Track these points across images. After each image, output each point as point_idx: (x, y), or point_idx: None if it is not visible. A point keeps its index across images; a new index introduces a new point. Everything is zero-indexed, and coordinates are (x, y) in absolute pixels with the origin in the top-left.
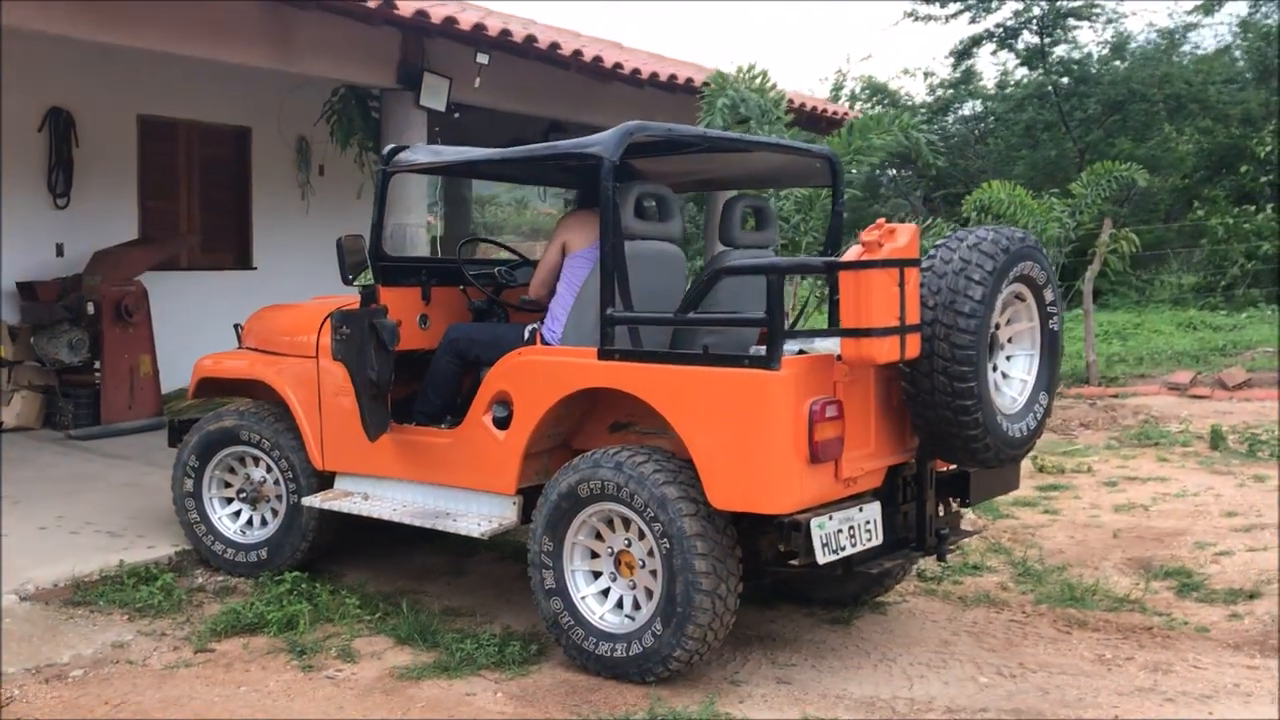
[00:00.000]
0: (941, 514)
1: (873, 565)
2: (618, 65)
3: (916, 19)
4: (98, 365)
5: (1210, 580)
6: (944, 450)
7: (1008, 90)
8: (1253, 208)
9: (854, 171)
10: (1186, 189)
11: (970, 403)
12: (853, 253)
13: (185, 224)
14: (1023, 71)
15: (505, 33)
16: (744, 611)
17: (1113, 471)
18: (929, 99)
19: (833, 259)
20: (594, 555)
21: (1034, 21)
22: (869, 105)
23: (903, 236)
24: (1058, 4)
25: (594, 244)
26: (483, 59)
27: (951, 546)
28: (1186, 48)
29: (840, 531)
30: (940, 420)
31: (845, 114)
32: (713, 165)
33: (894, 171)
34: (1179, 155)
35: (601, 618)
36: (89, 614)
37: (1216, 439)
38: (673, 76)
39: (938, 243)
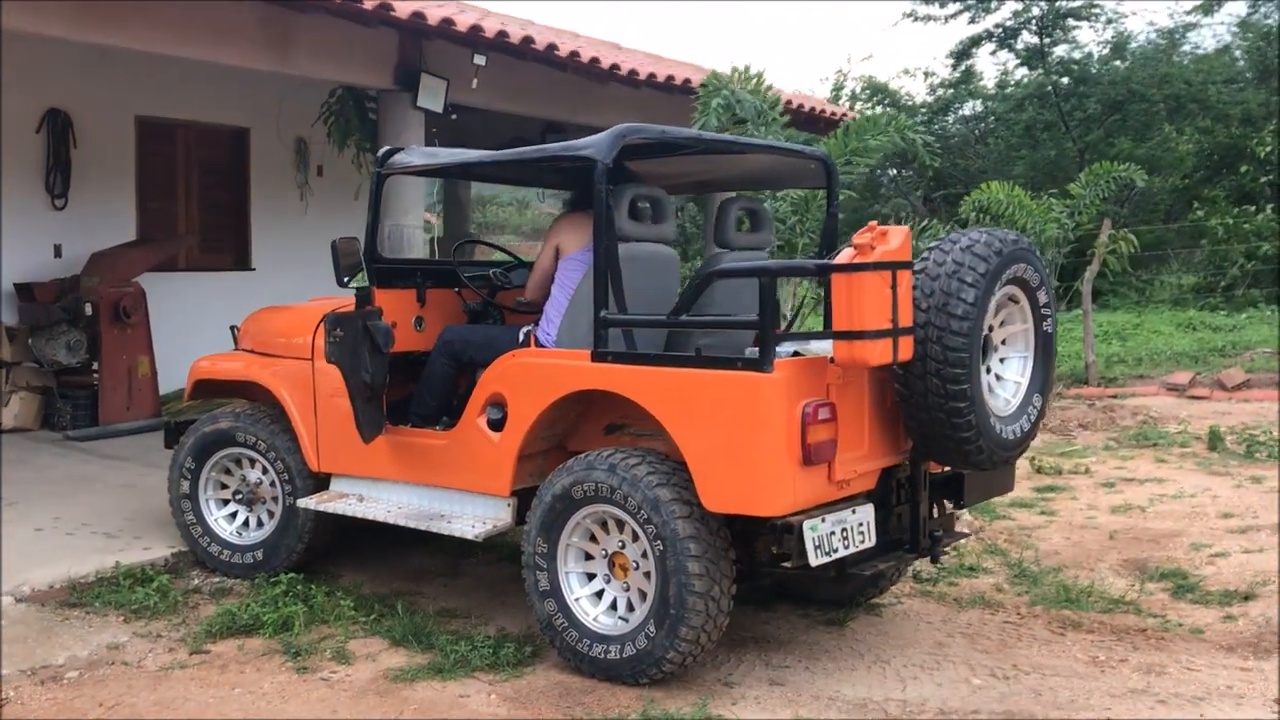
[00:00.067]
0: (935, 516)
1: (866, 567)
2: (614, 66)
3: (916, 19)
4: (96, 366)
5: (1205, 582)
6: (937, 452)
7: (1008, 90)
8: (1253, 208)
9: (855, 173)
10: (1186, 189)
11: (963, 405)
12: (845, 255)
13: (184, 225)
14: (1023, 72)
15: (502, 34)
16: (739, 612)
17: (1110, 472)
18: (929, 99)
19: (825, 261)
20: (588, 557)
21: (1033, 22)
22: (869, 105)
23: (895, 239)
24: (1057, 4)
25: (587, 246)
26: (479, 60)
27: (945, 548)
28: (1186, 48)
29: (833, 533)
30: (933, 422)
31: (844, 114)
32: (708, 167)
33: (894, 171)
34: (1179, 155)
35: (595, 619)
36: (85, 615)
37: (1214, 440)
38: (670, 77)
39: (931, 245)
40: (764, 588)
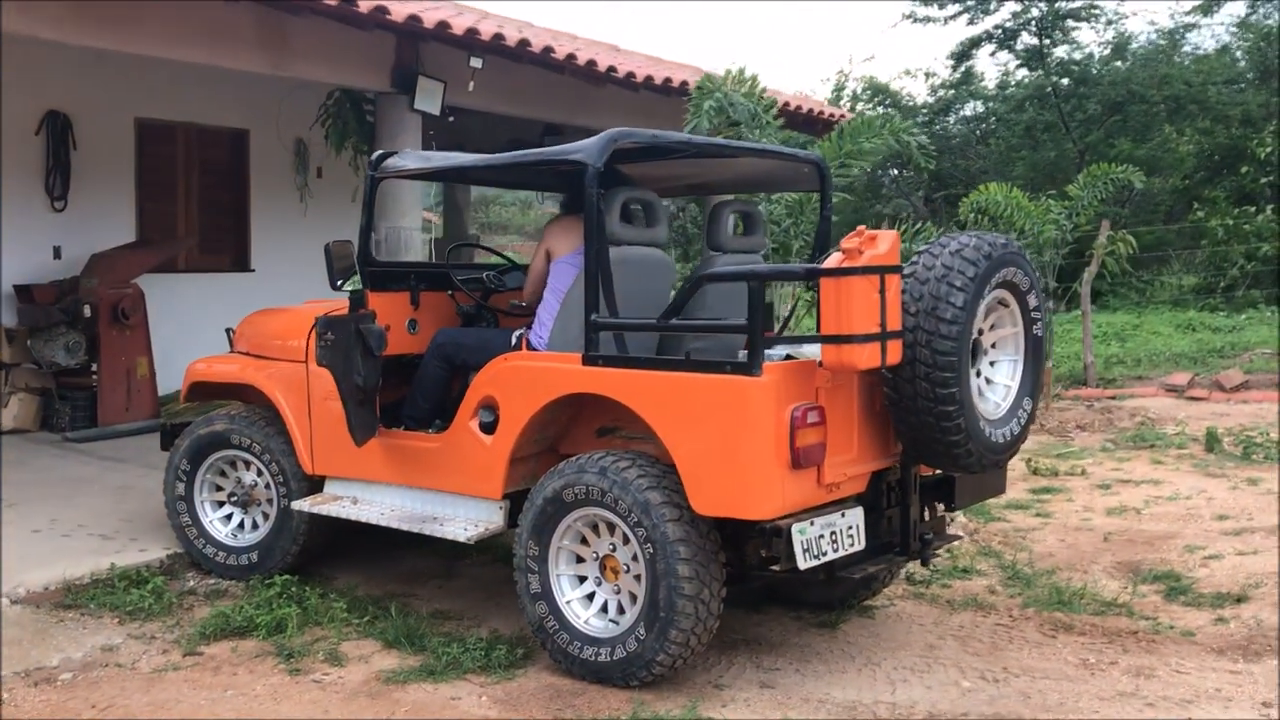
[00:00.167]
0: (926, 519)
1: (856, 570)
2: (612, 69)
3: (915, 20)
4: (94, 368)
5: (1198, 584)
6: (927, 456)
7: (1008, 91)
8: (1253, 209)
9: (850, 175)
10: (1187, 190)
11: (952, 409)
12: (833, 259)
13: (183, 226)
14: (1023, 73)
15: (498, 36)
16: (731, 615)
17: (1107, 474)
18: (930, 100)
19: (813, 266)
20: (579, 560)
21: (1032, 23)
22: (870, 106)
23: (883, 243)
24: (1056, 5)
25: (577, 249)
26: (476, 63)
27: (936, 551)
28: (1187, 48)
29: (822, 537)
30: (923, 426)
31: (842, 116)
32: (702, 170)
33: (896, 172)
34: (1179, 156)
35: (586, 622)
36: (79, 617)
37: (1211, 441)
38: (668, 79)
39: (921, 249)
40: (755, 590)
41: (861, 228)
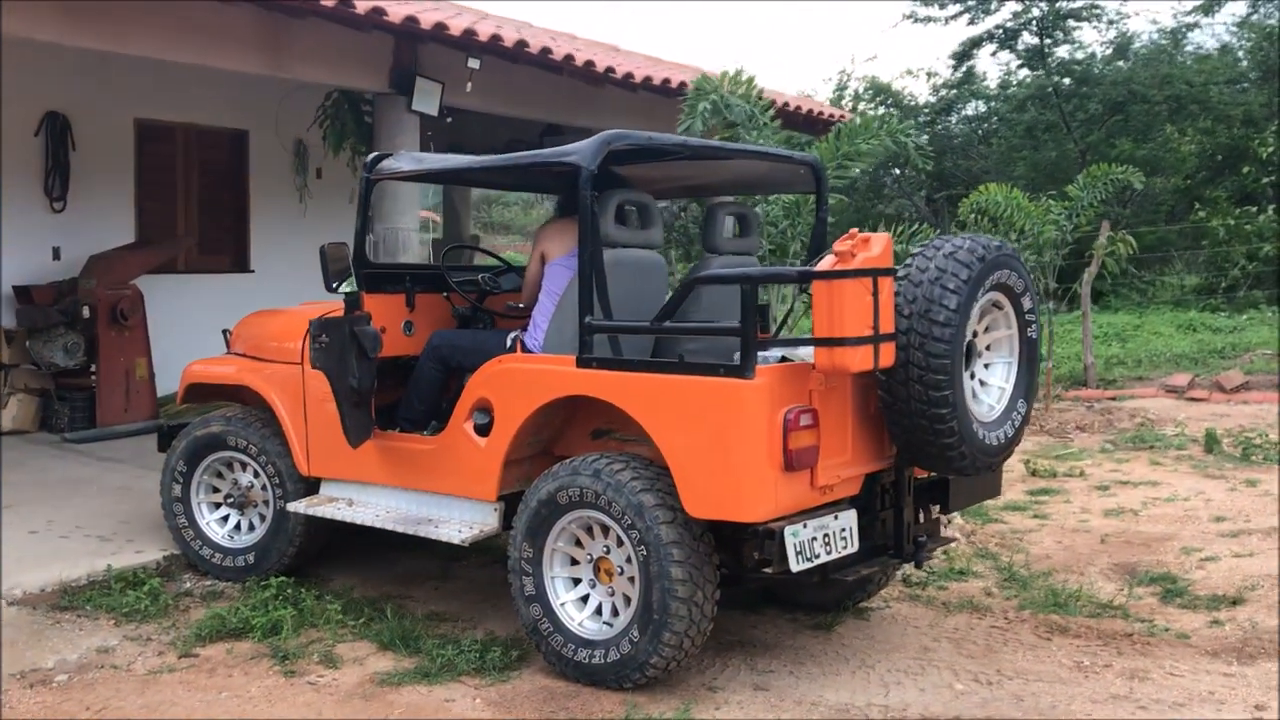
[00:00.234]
0: (921, 521)
1: (849, 573)
2: (610, 70)
3: (916, 20)
4: (93, 369)
5: (1194, 586)
6: (920, 458)
7: (1009, 91)
8: (1254, 209)
9: (847, 177)
10: (1188, 190)
11: (945, 411)
12: (826, 262)
13: (182, 227)
14: (1025, 72)
15: (496, 37)
16: (726, 616)
17: (1105, 475)
18: (932, 99)
19: (806, 269)
20: (574, 562)
21: (1033, 23)
22: (872, 106)
23: (876, 246)
24: (1057, 5)
25: (571, 252)
26: (474, 64)
27: (930, 553)
28: (1190, 48)
29: (815, 539)
30: (916, 429)
31: (842, 116)
32: (698, 172)
33: (898, 171)
34: (1181, 156)
35: (580, 624)
36: (75, 619)
37: (1211, 442)
38: (666, 80)
39: (914, 251)
40: (751, 592)
41: (854, 230)
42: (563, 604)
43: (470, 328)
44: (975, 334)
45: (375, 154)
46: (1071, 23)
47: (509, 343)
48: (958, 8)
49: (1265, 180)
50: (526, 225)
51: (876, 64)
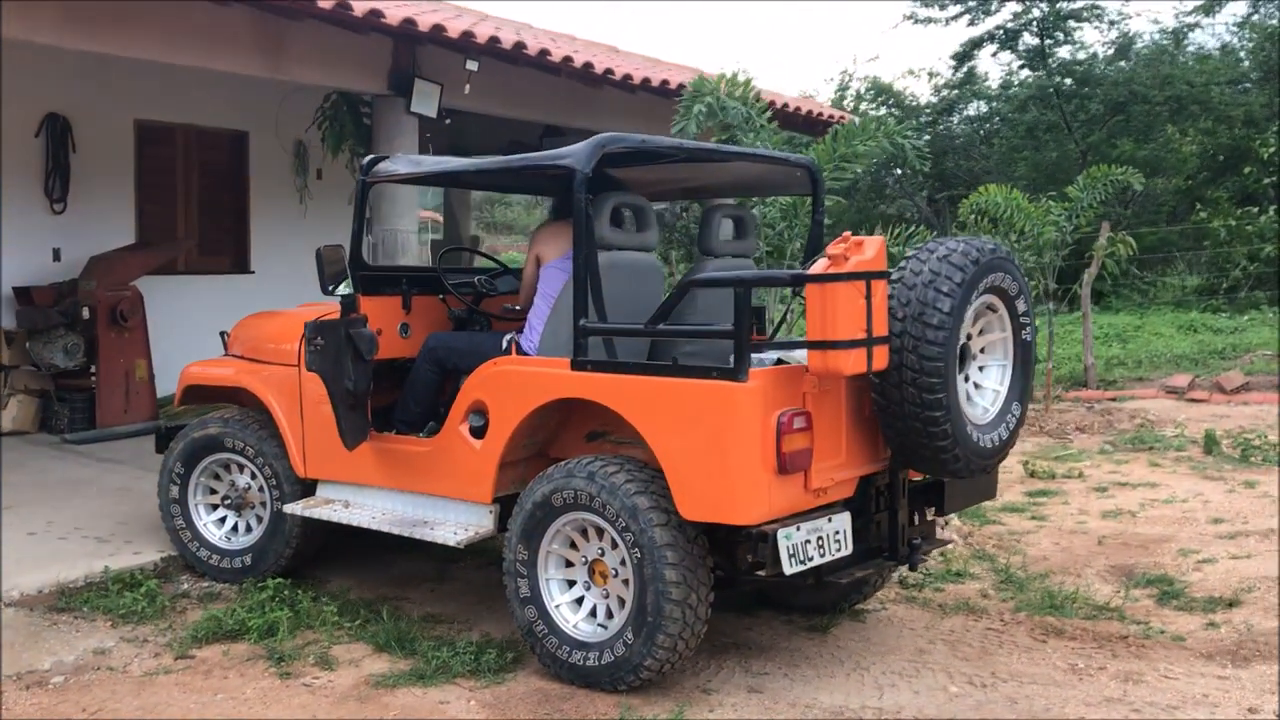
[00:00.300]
0: (916, 523)
1: (843, 575)
2: (608, 71)
3: (916, 21)
4: (93, 370)
5: (1191, 588)
6: (914, 461)
7: (1011, 91)
8: (1255, 209)
9: (844, 179)
10: (1190, 190)
11: (939, 414)
12: (819, 266)
13: (183, 228)
14: (1026, 73)
15: (494, 39)
16: (722, 618)
17: (1104, 477)
18: (934, 99)
19: (799, 272)
20: (568, 564)
21: (1033, 24)
22: (874, 106)
23: (870, 249)
24: (1057, 6)
25: (566, 254)
26: (472, 66)
27: (925, 555)
28: (1191, 49)
29: (808, 542)
30: (910, 431)
31: (842, 117)
32: (694, 174)
33: (899, 171)
34: (1182, 157)
35: (575, 626)
36: (72, 620)
37: (1210, 444)
38: (665, 82)
39: (908, 254)
40: (746, 594)
41: (847, 233)
42: (557, 606)
43: (467, 330)
44: (969, 337)
45: (371, 156)
46: (1072, 23)
47: (504, 345)
48: (958, 9)
49: (1266, 181)
50: (528, 225)
51: (878, 64)
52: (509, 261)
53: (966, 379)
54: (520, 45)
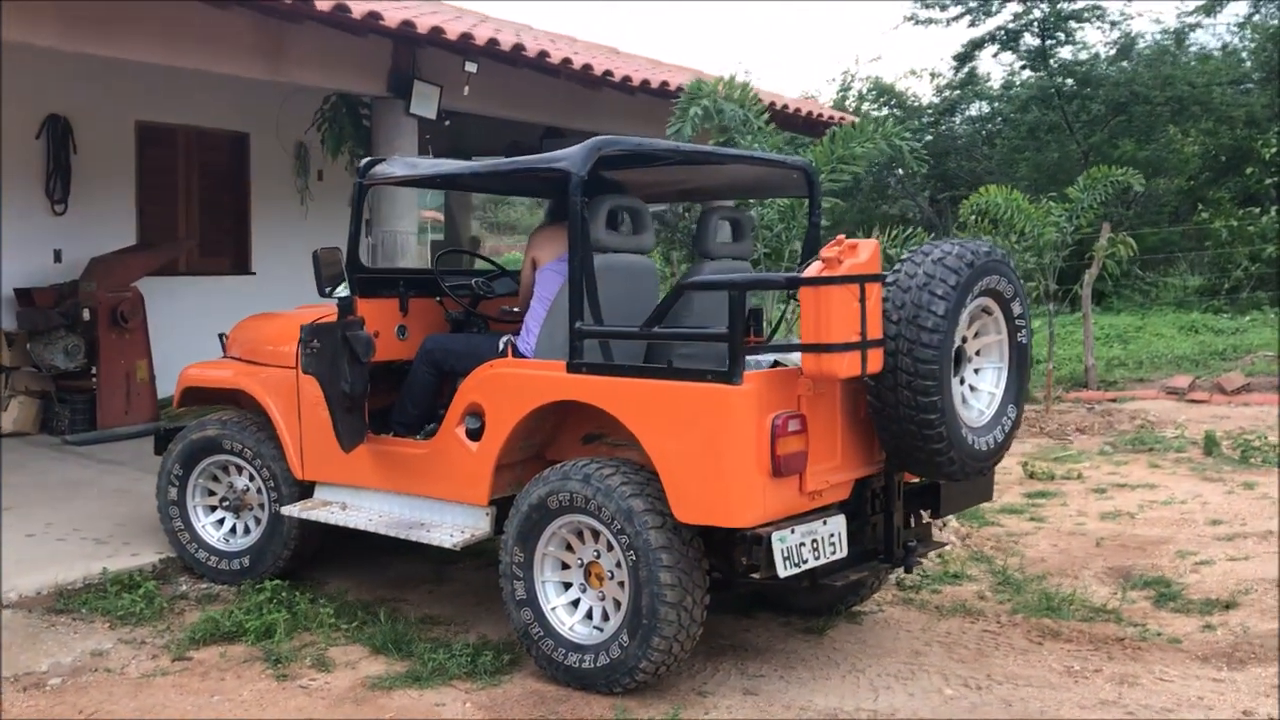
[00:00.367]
0: (912, 525)
1: (838, 578)
2: (607, 73)
3: (917, 22)
4: (94, 371)
5: (1188, 590)
6: (909, 464)
7: (1012, 91)
8: (1257, 210)
9: (842, 180)
10: (1192, 191)
11: (934, 417)
12: (813, 269)
13: (184, 229)
14: (1028, 73)
15: (493, 41)
16: (719, 620)
17: (1103, 478)
18: (936, 100)
19: (793, 275)
20: (564, 566)
21: (1035, 24)
22: (876, 107)
23: (864, 252)
24: (1058, 6)
25: (561, 256)
26: (471, 68)
27: (920, 558)
28: (1194, 49)
29: (803, 545)
30: (905, 434)
31: (842, 118)
32: (691, 176)
33: (901, 172)
34: (1184, 157)
35: (571, 628)
36: (70, 622)
37: (1210, 445)
38: (664, 83)
39: (903, 257)
40: (743, 596)
41: (841, 236)
42: (553, 608)
43: (464, 332)
44: (965, 339)
45: (368, 159)
46: (1073, 24)
47: (501, 347)
48: (958, 10)
49: (1268, 181)
50: (532, 225)
51: (880, 65)
52: (510, 262)
53: (962, 382)
54: (519, 47)
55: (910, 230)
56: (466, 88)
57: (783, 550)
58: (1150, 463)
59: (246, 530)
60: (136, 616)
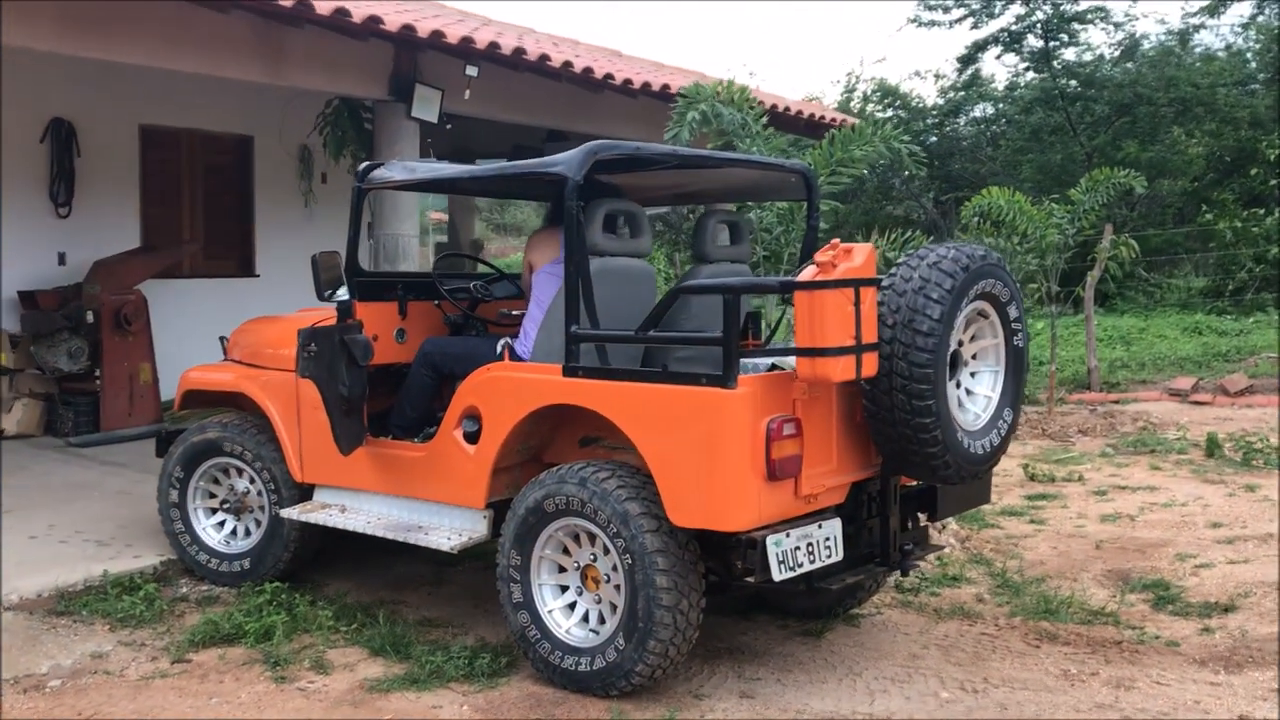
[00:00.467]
0: (909, 529)
1: (834, 581)
2: (608, 76)
3: (920, 24)
4: (97, 373)
5: (1187, 593)
6: (905, 467)
7: (1015, 93)
8: (1261, 211)
9: (841, 183)
10: (1196, 192)
11: (929, 420)
12: (807, 273)
13: (188, 231)
14: (1031, 75)
15: (494, 45)
16: (717, 623)
17: (1104, 480)
18: (940, 101)
19: (787, 279)
20: (561, 569)
21: (1038, 26)
22: (880, 108)
23: (859, 256)
24: (1061, 9)
25: (556, 259)
26: (472, 71)
27: (916, 562)
28: (1199, 49)
29: (798, 548)
30: (900, 438)
31: (844, 120)
32: (689, 179)
33: (905, 173)
34: (1188, 158)
35: (568, 631)
36: (71, 624)
37: (1212, 447)
38: (665, 86)
39: (899, 260)
40: (742, 599)
41: (836, 241)
42: (550, 611)
43: (462, 335)
44: (961, 343)
45: (367, 163)
46: (1076, 25)
47: (498, 350)
48: (961, 12)
49: (1273, 182)
50: (538, 226)
51: (885, 66)
52: (514, 264)
53: (958, 385)
54: (520, 51)
55: (909, 233)
56: (468, 91)
57: (778, 554)
58: (1152, 465)
59: (247, 532)
60: (137, 619)
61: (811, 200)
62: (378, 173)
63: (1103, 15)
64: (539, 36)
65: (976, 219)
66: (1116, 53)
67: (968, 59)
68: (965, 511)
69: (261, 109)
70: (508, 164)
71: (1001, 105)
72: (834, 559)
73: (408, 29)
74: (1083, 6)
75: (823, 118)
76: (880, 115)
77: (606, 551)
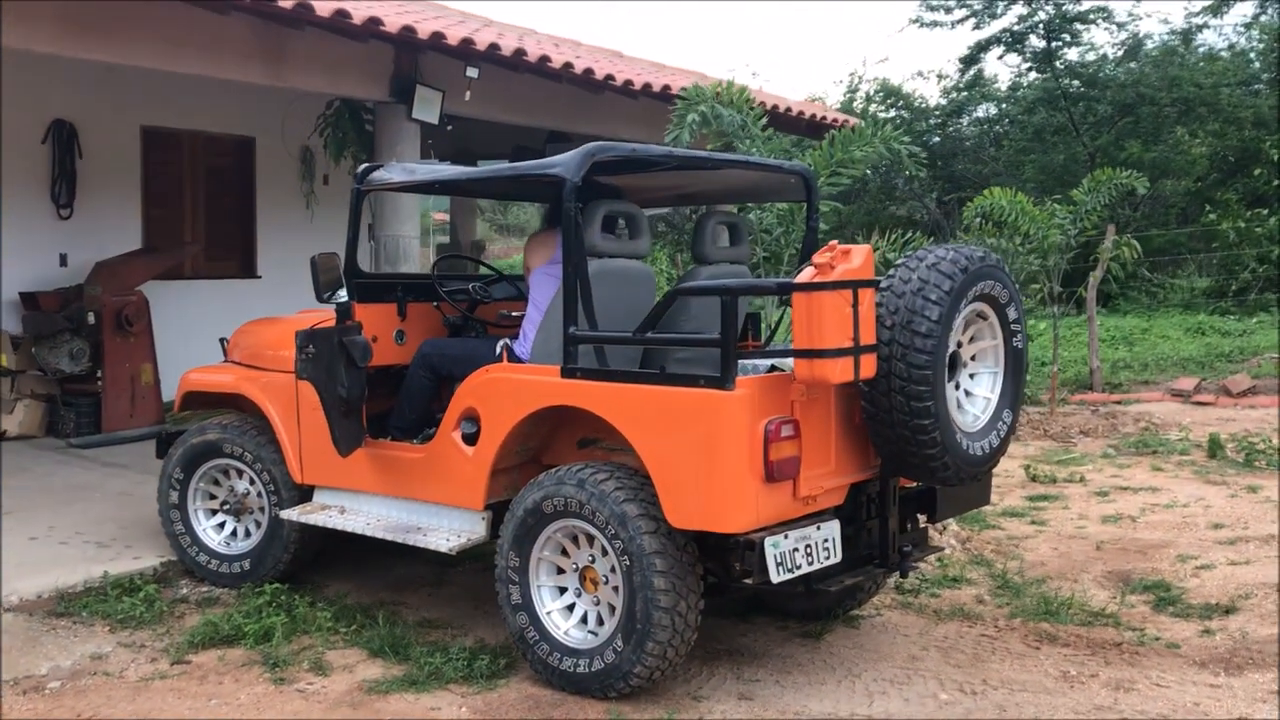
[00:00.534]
0: (908, 530)
1: (832, 583)
2: (609, 77)
3: (922, 25)
4: (99, 374)
5: (1188, 594)
6: (904, 469)
7: (1018, 93)
8: (1265, 211)
9: (841, 184)
10: (1199, 192)
11: (928, 422)
12: (805, 274)
13: (189, 233)
14: (1034, 75)
15: (494, 46)
16: (716, 624)
17: (1106, 481)
18: (943, 102)
19: (785, 280)
20: (560, 571)
21: (1040, 26)
22: (883, 108)
23: (857, 258)
24: (1063, 9)
25: (552, 260)
26: (472, 73)
27: (915, 563)
28: (1203, 49)
29: (796, 550)
30: (899, 439)
31: (845, 121)
32: (689, 181)
33: (908, 173)
34: (1192, 159)
35: (566, 633)
36: (71, 625)
37: (1214, 447)
38: (666, 87)
39: (898, 262)
40: (741, 600)
41: (834, 242)
42: (548, 612)
43: (461, 336)
44: (960, 344)
45: (365, 165)
46: (1078, 26)
47: (497, 351)
48: (963, 12)
49: (1276, 183)
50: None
51: (888, 66)
52: (516, 265)
53: (957, 387)
54: (520, 52)
55: (909, 234)
56: (468, 93)
57: (776, 555)
58: (1153, 465)
59: (247, 534)
60: (136, 620)
61: (811, 201)
62: (376, 174)
63: (1105, 15)
64: (539, 37)
65: (979, 219)
66: (1119, 53)
67: (970, 59)
68: (965, 513)
69: (263, 111)
70: (506, 165)
71: (1004, 105)
72: (832, 560)
73: (408, 30)
74: (1085, 6)
75: (824, 118)
76: (883, 116)
77: (605, 553)
